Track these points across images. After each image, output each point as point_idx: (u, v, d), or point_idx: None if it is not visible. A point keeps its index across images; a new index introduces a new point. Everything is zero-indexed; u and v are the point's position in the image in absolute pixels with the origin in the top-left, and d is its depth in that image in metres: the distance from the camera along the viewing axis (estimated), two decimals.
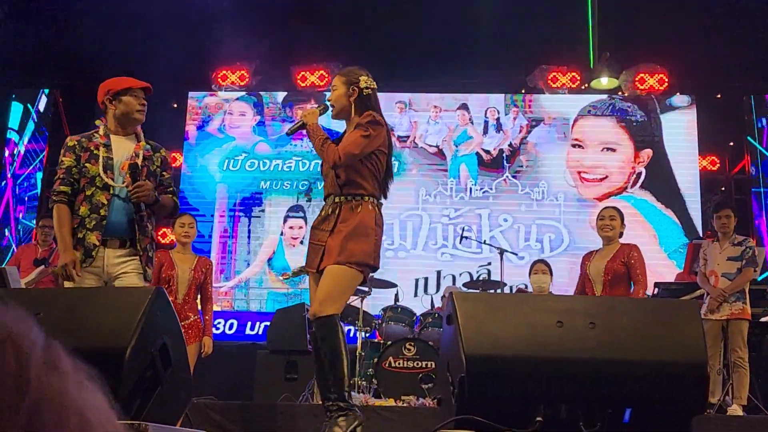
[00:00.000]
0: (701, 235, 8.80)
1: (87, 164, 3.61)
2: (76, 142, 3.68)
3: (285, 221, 9.38)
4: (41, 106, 9.82)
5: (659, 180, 9.27)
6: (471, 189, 9.37)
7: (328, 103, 3.72)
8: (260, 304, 9.16)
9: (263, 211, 9.45)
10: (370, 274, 3.67)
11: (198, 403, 4.98)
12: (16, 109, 9.79)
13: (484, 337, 2.61)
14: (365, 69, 3.72)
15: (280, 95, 9.84)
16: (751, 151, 9.27)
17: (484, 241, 8.48)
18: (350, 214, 3.45)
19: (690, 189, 9.21)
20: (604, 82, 9.15)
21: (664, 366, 2.60)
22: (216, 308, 7.51)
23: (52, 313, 2.67)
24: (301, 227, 9.31)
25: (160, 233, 8.68)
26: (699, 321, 2.78)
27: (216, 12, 8.29)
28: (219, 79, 9.65)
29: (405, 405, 5.57)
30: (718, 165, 9.36)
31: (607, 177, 9.35)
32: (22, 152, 9.72)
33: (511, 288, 7.30)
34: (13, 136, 9.73)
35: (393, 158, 3.78)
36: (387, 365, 6.19)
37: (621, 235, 5.33)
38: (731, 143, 9.45)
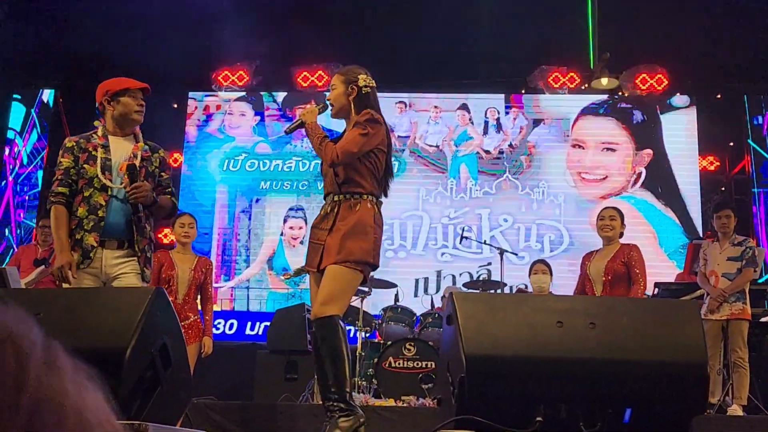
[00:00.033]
0: (701, 235, 8.80)
1: (85, 165, 3.61)
2: (74, 143, 3.67)
3: (285, 221, 9.38)
4: (41, 106, 9.82)
5: (659, 180, 9.27)
6: (471, 189, 9.37)
7: (327, 103, 3.72)
8: (260, 304, 9.16)
9: (263, 211, 9.46)
10: (371, 275, 3.67)
11: (198, 403, 4.98)
12: (16, 109, 9.80)
13: (484, 338, 2.61)
14: (364, 68, 3.71)
15: (280, 95, 9.84)
16: (751, 151, 9.27)
17: (484, 241, 8.49)
18: (349, 212, 3.45)
19: (690, 189, 9.21)
20: (604, 82, 9.16)
21: (664, 366, 2.60)
22: (216, 308, 7.51)
23: (52, 313, 2.67)
24: (301, 227, 9.31)
25: (162, 233, 8.68)
26: (699, 321, 2.78)
27: (216, 12, 8.29)
28: (219, 80, 9.64)
29: (405, 405, 5.57)
30: (718, 165, 9.36)
31: (607, 177, 9.35)
32: (22, 152, 9.72)
33: (511, 288, 7.30)
34: (13, 136, 9.74)
35: (393, 158, 3.78)
36: (387, 365, 6.19)
37: (621, 235, 5.33)
38: (731, 143, 9.45)
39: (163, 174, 3.82)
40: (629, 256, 5.17)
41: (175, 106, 9.72)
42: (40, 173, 9.60)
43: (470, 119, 9.60)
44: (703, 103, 9.42)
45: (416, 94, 9.68)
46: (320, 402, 3.63)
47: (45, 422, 0.57)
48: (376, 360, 6.25)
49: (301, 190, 9.47)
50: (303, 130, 3.69)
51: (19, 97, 9.82)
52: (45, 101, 9.84)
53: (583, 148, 9.46)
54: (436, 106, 9.63)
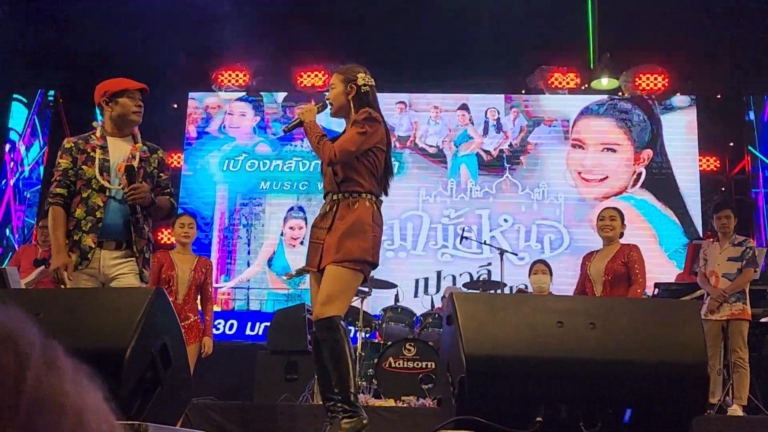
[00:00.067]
0: (701, 235, 8.80)
1: (83, 166, 3.61)
2: (72, 144, 3.67)
3: (285, 221, 9.39)
4: (41, 106, 9.82)
5: (659, 180, 9.27)
6: (471, 189, 9.37)
7: (327, 102, 3.72)
8: (260, 305, 9.16)
9: (263, 211, 9.46)
10: (371, 275, 3.66)
11: (198, 403, 4.98)
12: (16, 109, 9.80)
13: (484, 338, 2.61)
14: (363, 66, 3.71)
15: (281, 96, 9.84)
16: (750, 151, 9.28)
17: (485, 241, 8.49)
18: (347, 211, 3.45)
19: (690, 189, 9.21)
20: (604, 82, 9.16)
21: (664, 366, 2.60)
22: (216, 308, 7.51)
23: (52, 313, 2.66)
24: (301, 227, 9.31)
25: (166, 233, 8.68)
26: (699, 321, 2.78)
27: (216, 12, 8.29)
28: (219, 80, 9.65)
29: (405, 405, 5.57)
30: (719, 165, 9.36)
31: (607, 177, 9.35)
32: (23, 152, 9.72)
33: (511, 288, 7.30)
34: (13, 136, 9.74)
35: (393, 158, 3.77)
36: (387, 365, 6.19)
37: (621, 235, 5.33)
38: (731, 143, 9.45)
39: (161, 175, 3.82)
40: (629, 256, 5.16)
41: (175, 106, 9.72)
42: (41, 171, 9.60)
43: (470, 119, 9.60)
44: (703, 103, 9.42)
45: (416, 94, 9.68)
46: (320, 402, 3.63)
47: (44, 422, 0.57)
48: (376, 360, 6.25)
49: (301, 190, 9.47)
50: (302, 129, 3.69)
51: (19, 97, 9.83)
52: (45, 101, 9.84)
53: (583, 149, 9.46)
54: (436, 106, 9.63)
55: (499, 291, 6.78)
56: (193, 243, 5.56)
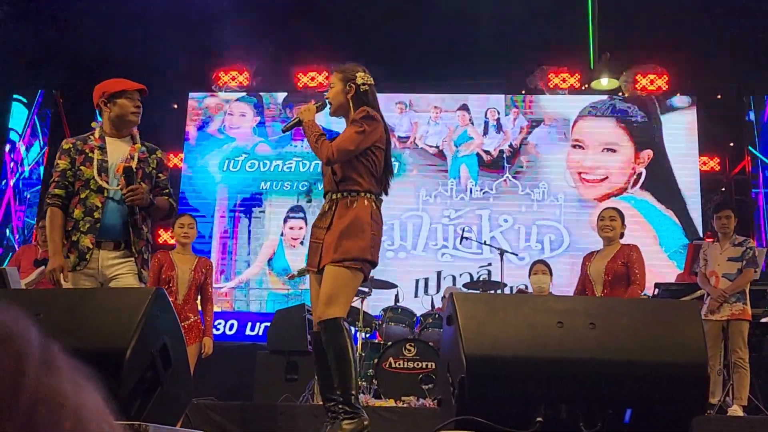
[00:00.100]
0: (701, 235, 8.80)
1: (82, 167, 3.60)
2: (71, 145, 3.67)
3: (285, 222, 9.39)
4: (41, 106, 9.82)
5: (659, 180, 9.27)
6: (471, 190, 9.37)
7: (326, 101, 3.71)
8: (260, 305, 9.16)
9: (263, 211, 9.46)
10: (371, 275, 3.65)
11: (198, 403, 4.98)
12: (16, 109, 9.80)
13: (484, 338, 2.61)
14: (362, 65, 3.71)
15: (281, 96, 9.84)
16: (750, 151, 9.27)
17: (485, 241, 8.49)
18: (346, 210, 3.44)
19: (690, 189, 9.21)
20: (605, 82, 9.16)
21: (664, 367, 2.60)
22: (216, 309, 7.50)
23: (52, 313, 2.66)
24: (301, 228, 9.31)
25: (167, 234, 8.68)
26: (699, 322, 2.78)
27: (216, 12, 8.29)
28: (219, 80, 9.65)
29: (405, 406, 5.56)
30: (719, 165, 9.36)
31: (607, 177, 9.35)
32: (23, 152, 9.72)
33: (511, 288, 7.30)
34: (13, 136, 9.74)
35: (393, 158, 3.77)
36: (387, 366, 6.19)
37: (622, 235, 5.32)
38: (731, 143, 9.45)
39: (160, 175, 3.81)
40: (629, 256, 5.16)
41: (175, 106, 9.72)
42: (41, 171, 9.60)
43: (470, 119, 9.60)
44: (703, 103, 9.42)
45: (416, 94, 9.68)
46: (320, 402, 3.62)
47: (44, 422, 0.57)
48: (376, 360, 6.25)
49: (302, 190, 9.47)
50: (301, 128, 3.68)
51: (19, 97, 9.83)
52: (45, 101, 9.84)
53: (584, 149, 9.46)
54: (436, 107, 9.63)
55: (499, 291, 6.78)
56: (193, 243, 5.56)
